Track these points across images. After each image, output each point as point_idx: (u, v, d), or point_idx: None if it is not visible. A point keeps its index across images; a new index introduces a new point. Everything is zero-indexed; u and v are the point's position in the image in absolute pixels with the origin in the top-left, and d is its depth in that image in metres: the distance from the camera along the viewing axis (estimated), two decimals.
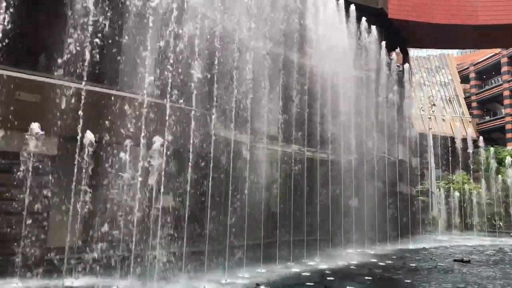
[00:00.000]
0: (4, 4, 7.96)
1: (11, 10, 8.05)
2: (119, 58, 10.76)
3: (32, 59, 9.83)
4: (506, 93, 53.13)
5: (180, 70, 9.95)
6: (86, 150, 8.02)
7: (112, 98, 9.83)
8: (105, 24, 9.33)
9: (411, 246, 17.76)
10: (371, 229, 16.81)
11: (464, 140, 28.48)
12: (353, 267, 11.70)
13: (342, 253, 14.23)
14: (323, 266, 11.45)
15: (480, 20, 25.64)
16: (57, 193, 8.75)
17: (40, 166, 8.30)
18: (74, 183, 7.93)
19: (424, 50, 58.16)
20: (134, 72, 10.15)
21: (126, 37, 10.53)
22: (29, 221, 8.00)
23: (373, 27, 20.03)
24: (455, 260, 13.34)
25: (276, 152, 13.95)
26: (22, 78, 8.87)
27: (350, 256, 13.64)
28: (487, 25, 25.73)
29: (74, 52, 8.62)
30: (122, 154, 8.81)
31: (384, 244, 17.11)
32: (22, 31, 8.63)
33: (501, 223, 27.40)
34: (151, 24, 9.37)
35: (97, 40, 8.72)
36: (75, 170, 7.88)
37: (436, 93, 57.51)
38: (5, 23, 7.90)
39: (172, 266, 9.01)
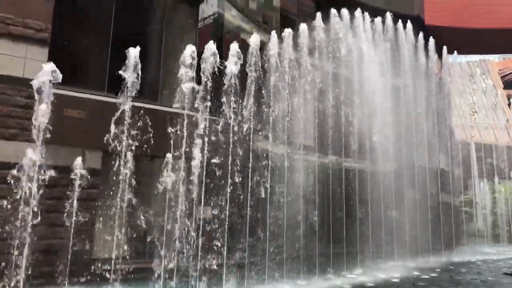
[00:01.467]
0: None
1: None
2: None
3: None
4: None
5: None
6: None
7: None
8: None
9: (456, 258, 17.12)
10: (413, 241, 16.32)
11: (509, 147, 27.36)
12: (396, 280, 11.41)
13: (383, 266, 13.89)
14: (363, 278, 11.22)
15: None
16: None
17: None
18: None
19: (463, 56, 56.52)
20: None
21: None
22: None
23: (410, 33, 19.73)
24: (504, 273, 12.74)
25: (316, 162, 13.89)
26: None
27: (391, 268, 13.29)
28: None
29: None
30: None
31: (427, 257, 16.55)
32: None
33: None
34: None
35: None
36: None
37: (478, 100, 55.60)
38: None
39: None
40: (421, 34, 19.69)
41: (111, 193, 8.73)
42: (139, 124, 9.50)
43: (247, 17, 17.06)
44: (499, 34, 25.58)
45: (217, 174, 10.08)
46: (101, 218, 9.22)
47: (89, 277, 8.75)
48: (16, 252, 7.09)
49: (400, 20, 20.97)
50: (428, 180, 18.45)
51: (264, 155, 11.58)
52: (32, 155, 7.20)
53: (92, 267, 8.93)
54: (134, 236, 9.65)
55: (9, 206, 7.35)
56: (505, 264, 15.66)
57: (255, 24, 17.54)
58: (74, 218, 8.09)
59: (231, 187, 10.01)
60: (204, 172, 9.71)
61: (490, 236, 25.92)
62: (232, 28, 16.56)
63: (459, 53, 42.61)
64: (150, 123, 9.72)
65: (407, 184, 17.05)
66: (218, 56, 10.40)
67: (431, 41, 19.82)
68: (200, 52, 10.41)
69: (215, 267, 9.51)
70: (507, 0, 25.23)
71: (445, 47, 24.58)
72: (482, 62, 62.86)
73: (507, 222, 26.80)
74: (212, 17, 15.32)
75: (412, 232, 16.33)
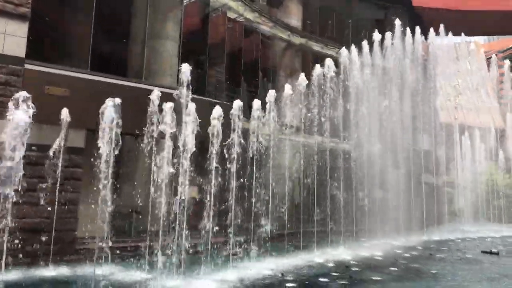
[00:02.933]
0: None
1: None
2: None
3: None
4: None
5: None
6: None
7: None
8: None
9: (437, 237, 17.49)
10: (396, 220, 16.63)
11: (491, 129, 27.81)
12: (378, 257, 11.64)
13: (366, 244, 14.14)
14: (347, 257, 11.42)
15: (510, 5, 24.89)
16: None
17: None
18: None
19: (450, 37, 56.71)
20: None
21: None
22: None
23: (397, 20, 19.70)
24: (483, 252, 13.10)
25: (299, 144, 13.97)
26: None
27: (374, 247, 13.54)
28: None
29: None
30: None
31: (409, 235, 16.89)
32: None
33: None
34: None
35: None
36: None
37: (463, 82, 56.08)
38: None
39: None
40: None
41: (96, 171, 8.66)
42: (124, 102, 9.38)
43: None
44: (486, 16, 25.72)
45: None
46: (86, 197, 9.17)
47: (74, 255, 8.76)
48: None
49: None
50: (412, 161, 18.70)
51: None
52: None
53: (78, 246, 8.94)
54: (120, 214, 9.65)
55: None
56: (483, 242, 16.10)
57: (242, 2, 17.32)
58: (57, 197, 8.04)
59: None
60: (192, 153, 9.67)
61: (469, 215, 26.52)
62: (218, 6, 16.33)
63: (446, 34, 42.86)
64: (135, 102, 9.61)
65: (391, 164, 17.28)
66: None
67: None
68: (184, 32, 10.26)
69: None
70: None
71: (431, 29, 24.67)
72: (468, 44, 63.23)
73: (486, 201, 27.45)
74: None
75: (395, 211, 16.64)
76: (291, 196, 12.97)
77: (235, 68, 17.20)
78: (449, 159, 27.16)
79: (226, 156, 10.34)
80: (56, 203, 8.14)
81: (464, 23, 27.54)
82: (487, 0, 24.81)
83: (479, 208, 27.53)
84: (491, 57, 60.71)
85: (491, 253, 12.79)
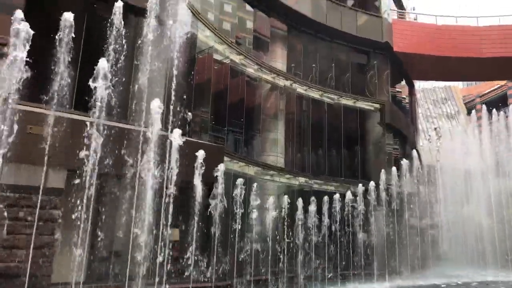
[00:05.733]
0: None
1: None
2: None
3: None
4: None
5: None
6: None
7: None
8: None
9: (421, 282, 17.31)
10: (381, 263, 16.48)
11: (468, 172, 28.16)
12: None
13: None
14: None
15: (484, 53, 25.92)
16: None
17: None
18: None
19: (430, 82, 58.53)
20: None
21: None
22: None
23: None
24: None
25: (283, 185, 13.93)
26: None
27: None
28: (492, 57, 26.00)
29: None
30: None
31: (393, 279, 16.70)
32: None
33: None
34: None
35: None
36: None
37: (443, 124, 57.43)
38: None
39: None
40: None
41: (75, 213, 8.43)
42: (106, 142, 9.30)
43: (221, 38, 17.18)
44: (463, 62, 26.70)
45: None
46: (62, 240, 8.88)
47: None
48: None
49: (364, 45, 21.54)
50: (394, 202, 18.78)
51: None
52: None
53: None
54: (98, 258, 9.34)
55: None
56: None
57: (228, 45, 17.68)
58: (33, 240, 7.76)
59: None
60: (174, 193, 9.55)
61: (454, 259, 26.39)
62: (204, 48, 16.63)
63: (426, 79, 44.25)
64: (116, 141, 9.52)
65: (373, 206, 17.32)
66: None
67: None
68: None
69: None
70: (468, 31, 26.45)
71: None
72: (447, 88, 65.26)
73: (471, 244, 27.41)
74: (185, 37, 15.34)
75: (379, 254, 16.50)
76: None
77: (220, 108, 17.33)
78: (433, 201, 27.29)
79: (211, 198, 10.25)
80: (32, 246, 7.83)
81: (442, 69, 28.52)
82: (462, 48, 25.82)
83: (464, 251, 27.44)
84: (471, 101, 62.66)
85: None
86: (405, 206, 19.46)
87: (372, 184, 17.53)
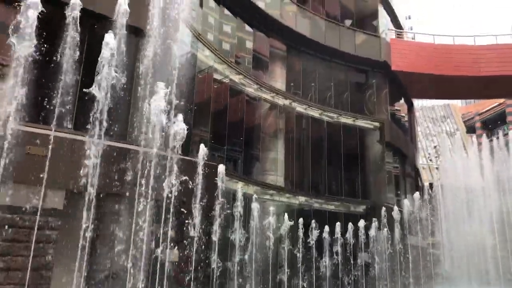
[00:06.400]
0: None
1: None
2: None
3: None
4: None
5: None
6: None
7: None
8: None
9: None
10: (384, 283, 16.25)
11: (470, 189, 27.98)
12: None
13: None
14: None
15: (482, 71, 26.10)
16: None
17: None
18: None
19: (429, 100, 58.82)
20: None
21: None
22: None
23: None
24: None
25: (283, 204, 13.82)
26: None
27: None
28: (490, 76, 26.17)
29: None
30: None
31: None
32: None
33: None
34: None
35: None
36: None
37: (442, 142, 57.45)
38: None
39: None
40: None
41: (73, 234, 8.33)
42: (106, 162, 9.25)
43: (220, 57, 17.32)
44: (461, 81, 26.87)
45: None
46: (61, 261, 8.76)
47: None
48: None
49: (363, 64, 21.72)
50: (395, 222, 18.63)
51: None
52: None
53: None
54: (96, 280, 9.19)
55: None
56: None
57: (227, 64, 17.80)
58: (31, 262, 7.65)
59: None
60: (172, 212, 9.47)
61: (458, 277, 26.03)
62: (204, 68, 16.74)
63: (425, 97, 44.46)
64: (115, 161, 9.48)
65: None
66: None
67: None
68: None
69: None
70: (465, 50, 26.70)
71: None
72: (446, 107, 65.57)
73: (474, 264, 27.06)
74: (185, 57, 15.48)
75: (382, 275, 16.29)
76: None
77: (220, 127, 17.35)
78: (434, 220, 27.06)
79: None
80: (29, 268, 7.72)
81: (440, 87, 28.69)
82: (460, 66, 26.02)
83: (467, 270, 27.08)
84: (470, 119, 62.83)
85: None
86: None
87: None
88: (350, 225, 15.90)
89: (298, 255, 13.67)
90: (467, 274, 26.63)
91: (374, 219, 16.95)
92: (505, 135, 55.20)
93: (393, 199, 22.72)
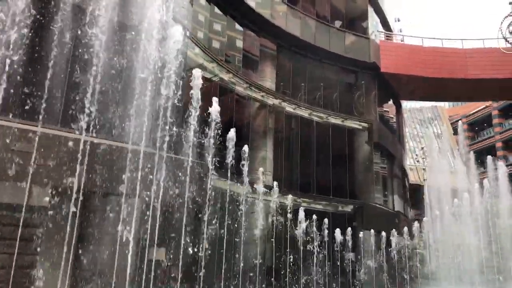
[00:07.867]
0: None
1: None
2: None
3: None
4: (499, 144, 53.84)
5: None
6: None
7: None
8: None
9: None
10: (369, 284, 16.36)
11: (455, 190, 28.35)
12: None
13: None
14: None
15: (469, 74, 26.42)
16: None
17: None
18: None
19: (417, 101, 59.35)
20: None
21: None
22: None
23: None
24: None
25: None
26: None
27: None
28: (476, 79, 26.49)
29: None
30: None
31: None
32: None
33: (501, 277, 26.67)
34: None
35: None
36: None
37: (429, 144, 58.01)
38: None
39: None
40: None
41: (58, 233, 8.22)
42: (92, 159, 9.15)
43: (210, 56, 17.25)
44: (448, 83, 27.16)
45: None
46: (46, 259, 8.64)
47: None
48: None
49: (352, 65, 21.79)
50: (383, 221, 18.77)
51: None
52: None
53: None
54: (82, 278, 9.09)
55: None
56: None
57: (217, 63, 17.74)
58: (14, 260, 7.53)
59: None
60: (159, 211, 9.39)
61: (443, 277, 26.32)
62: (194, 66, 16.64)
63: (413, 99, 44.83)
64: (102, 159, 9.38)
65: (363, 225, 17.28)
66: None
67: None
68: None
69: None
70: (453, 53, 26.97)
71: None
72: (434, 108, 66.22)
73: (459, 264, 27.38)
74: (174, 54, 15.34)
75: (368, 275, 16.40)
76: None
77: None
78: (420, 220, 27.30)
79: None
80: (13, 266, 7.60)
81: (428, 89, 28.97)
82: (447, 69, 26.30)
83: (453, 271, 27.38)
84: (457, 121, 63.46)
85: None
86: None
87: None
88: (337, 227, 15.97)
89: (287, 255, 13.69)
90: (452, 274, 26.94)
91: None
92: (491, 137, 55.90)
93: (381, 199, 22.88)
